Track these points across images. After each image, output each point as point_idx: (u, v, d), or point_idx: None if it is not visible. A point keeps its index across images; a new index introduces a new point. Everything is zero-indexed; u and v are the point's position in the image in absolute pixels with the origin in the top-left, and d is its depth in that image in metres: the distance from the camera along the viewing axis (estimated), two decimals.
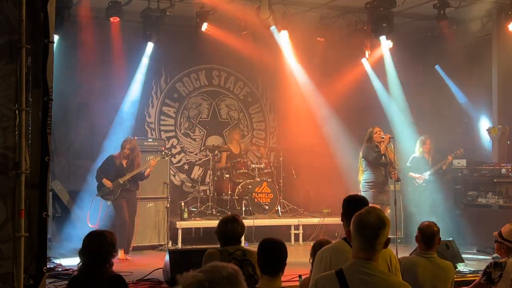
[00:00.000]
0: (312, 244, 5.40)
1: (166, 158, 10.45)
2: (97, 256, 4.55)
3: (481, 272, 5.40)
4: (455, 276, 5.23)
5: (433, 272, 5.00)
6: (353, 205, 4.34)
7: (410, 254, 5.85)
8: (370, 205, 4.11)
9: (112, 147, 10.76)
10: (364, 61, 12.92)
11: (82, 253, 4.65)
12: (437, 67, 12.81)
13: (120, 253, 9.09)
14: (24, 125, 4.53)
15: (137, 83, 11.93)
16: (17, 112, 4.54)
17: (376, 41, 12.02)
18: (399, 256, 8.10)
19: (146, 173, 9.68)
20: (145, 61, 11.86)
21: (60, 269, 7.94)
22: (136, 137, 10.12)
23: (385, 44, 12.17)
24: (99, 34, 11.12)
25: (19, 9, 4.56)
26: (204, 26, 11.44)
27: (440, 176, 11.06)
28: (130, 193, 9.68)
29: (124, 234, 9.38)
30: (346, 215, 4.39)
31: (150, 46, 11.66)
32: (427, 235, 5.15)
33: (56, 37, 10.20)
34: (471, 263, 8.25)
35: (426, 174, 10.89)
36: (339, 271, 3.14)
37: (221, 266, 2.09)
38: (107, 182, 9.49)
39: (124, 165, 9.61)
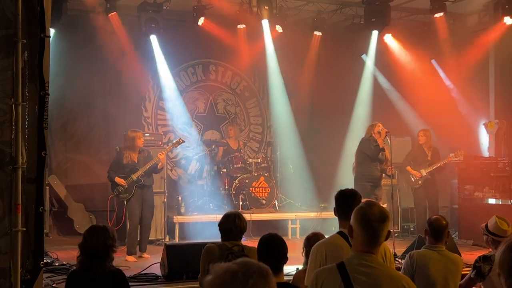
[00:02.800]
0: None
1: (178, 146, 10.11)
2: (100, 250, 4.52)
3: None
4: None
5: (444, 265, 5.01)
6: (346, 199, 4.36)
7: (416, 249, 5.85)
8: (365, 199, 4.12)
9: (110, 141, 10.78)
10: (364, 56, 12.96)
11: (84, 247, 4.60)
12: (433, 61, 12.82)
13: (130, 258, 8.87)
14: (20, 119, 4.53)
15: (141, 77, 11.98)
16: (13, 106, 4.54)
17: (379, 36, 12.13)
18: (396, 250, 8.19)
19: (159, 166, 9.26)
20: (158, 54, 12.02)
21: (57, 264, 7.92)
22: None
23: (375, 39, 12.27)
24: (96, 28, 11.09)
25: (15, 3, 4.55)
26: (201, 21, 11.42)
27: (437, 172, 11.06)
28: (146, 189, 9.21)
29: (135, 238, 9.11)
30: (340, 210, 4.40)
31: (154, 39, 11.74)
32: (436, 229, 5.16)
33: (52, 31, 10.21)
34: (468, 256, 8.26)
35: (424, 171, 10.88)
36: (340, 264, 3.14)
37: (253, 261, 2.13)
38: (120, 180, 9.00)
39: (136, 160, 9.16)
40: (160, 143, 10.99)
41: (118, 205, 9.48)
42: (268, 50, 12.50)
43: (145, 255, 9.12)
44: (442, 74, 12.74)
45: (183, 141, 10.03)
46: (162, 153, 9.26)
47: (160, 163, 9.23)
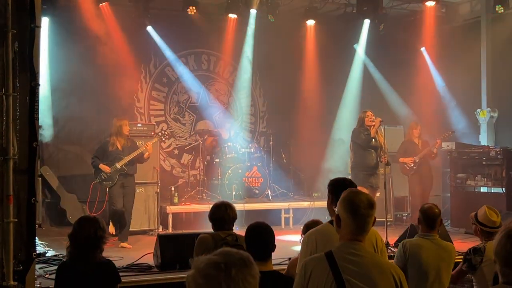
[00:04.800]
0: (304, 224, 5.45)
1: (164, 139, 10.12)
2: (90, 241, 4.49)
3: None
4: None
5: (437, 253, 5.02)
6: (340, 188, 4.33)
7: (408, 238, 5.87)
8: (359, 188, 4.12)
9: (102, 132, 10.73)
10: (356, 46, 12.96)
11: (74, 238, 4.56)
12: (422, 49, 12.81)
13: (125, 244, 9.04)
14: (11, 110, 4.51)
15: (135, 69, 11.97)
16: (4, 97, 4.52)
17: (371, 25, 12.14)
18: (389, 239, 8.22)
19: (145, 156, 9.31)
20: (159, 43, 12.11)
21: (50, 255, 7.91)
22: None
23: (366, 28, 12.28)
24: (87, 18, 11.02)
25: None
26: (192, 10, 11.39)
27: (430, 159, 11.12)
28: (129, 178, 9.27)
29: (121, 223, 9.16)
30: (334, 199, 4.39)
31: (150, 29, 11.79)
32: (430, 217, 5.17)
33: (46, 20, 10.23)
34: (460, 245, 8.30)
35: (417, 157, 10.93)
36: (329, 253, 3.15)
37: (234, 250, 2.12)
38: (104, 167, 9.04)
39: (120, 148, 9.16)
40: (152, 133, 10.96)
41: (100, 192, 9.50)
42: (247, 40, 12.54)
43: (126, 244, 9.09)
44: (430, 63, 12.73)
45: (167, 134, 10.09)
46: (149, 144, 9.28)
47: (147, 153, 9.27)
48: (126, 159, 9.10)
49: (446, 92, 12.49)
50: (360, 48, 12.92)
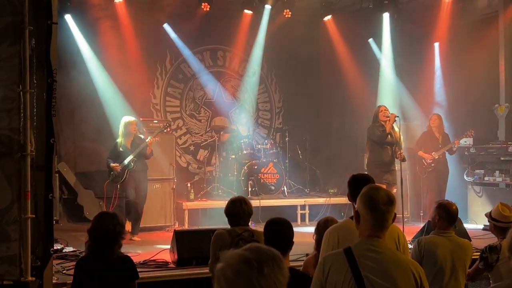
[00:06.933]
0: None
1: (165, 131, 10.22)
2: (109, 236, 4.52)
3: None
4: None
5: (453, 250, 4.97)
6: (360, 183, 4.31)
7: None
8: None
9: (118, 128, 10.76)
10: (371, 40, 12.87)
11: (93, 233, 4.59)
12: (435, 44, 12.69)
13: (136, 238, 9.32)
14: (28, 107, 4.53)
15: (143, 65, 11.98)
16: (21, 94, 4.54)
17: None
18: (405, 235, 8.16)
19: (148, 151, 9.48)
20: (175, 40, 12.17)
21: (67, 251, 7.95)
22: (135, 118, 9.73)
23: (387, 22, 12.15)
24: (103, 14, 11.06)
25: None
26: (206, 7, 11.39)
27: (448, 155, 11.03)
28: (139, 174, 9.46)
29: (130, 215, 9.40)
30: (353, 194, 4.36)
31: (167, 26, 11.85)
32: (451, 214, 5.13)
33: (69, 17, 10.35)
34: (478, 241, 8.24)
35: (436, 154, 10.84)
36: (348, 249, 3.12)
37: (264, 247, 2.12)
38: (114, 166, 9.34)
39: (129, 147, 9.42)
40: (168, 129, 10.98)
41: (115, 189, 9.65)
42: (263, 36, 12.52)
43: (135, 238, 9.32)
44: (437, 59, 12.61)
45: (168, 125, 10.21)
46: (150, 140, 9.46)
47: (148, 149, 9.46)
48: (132, 155, 9.34)
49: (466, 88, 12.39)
50: (386, 42, 12.74)
